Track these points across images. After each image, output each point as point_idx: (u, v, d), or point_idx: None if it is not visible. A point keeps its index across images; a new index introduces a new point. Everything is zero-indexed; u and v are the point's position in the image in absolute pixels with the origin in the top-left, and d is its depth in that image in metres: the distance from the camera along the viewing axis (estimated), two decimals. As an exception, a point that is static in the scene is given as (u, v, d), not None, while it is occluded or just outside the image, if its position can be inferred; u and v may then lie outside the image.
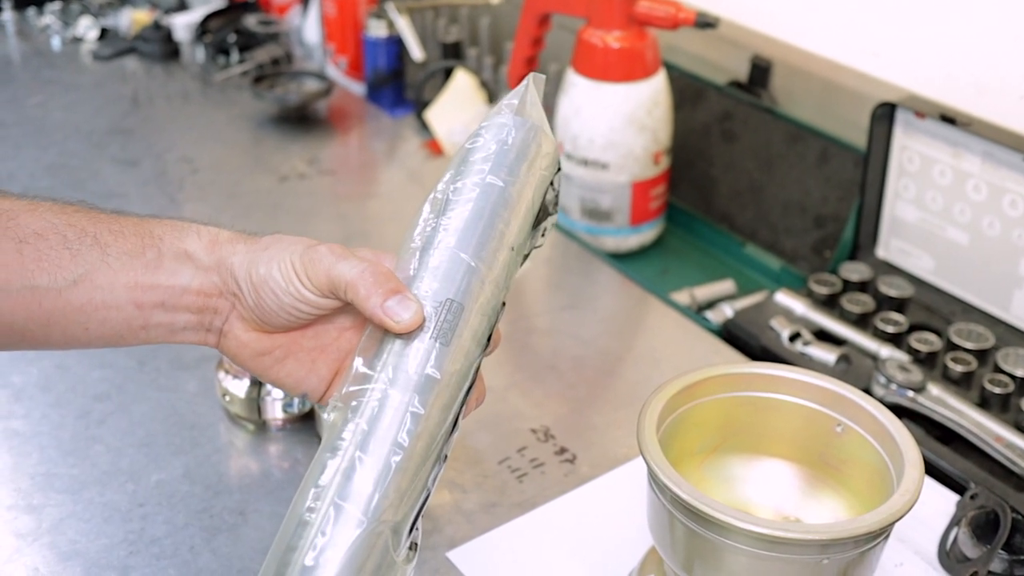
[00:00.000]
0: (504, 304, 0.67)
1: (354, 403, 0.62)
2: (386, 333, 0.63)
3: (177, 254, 0.67)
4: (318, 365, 0.69)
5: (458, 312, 0.63)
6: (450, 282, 0.64)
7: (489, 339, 0.66)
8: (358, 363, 0.64)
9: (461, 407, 0.64)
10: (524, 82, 0.71)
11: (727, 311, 1.20)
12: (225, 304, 0.67)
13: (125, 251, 0.66)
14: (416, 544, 0.62)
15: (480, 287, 0.64)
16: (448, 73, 1.56)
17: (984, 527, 0.86)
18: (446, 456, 0.64)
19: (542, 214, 0.69)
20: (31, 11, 1.88)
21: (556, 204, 0.71)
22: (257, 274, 0.65)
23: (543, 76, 0.72)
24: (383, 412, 0.61)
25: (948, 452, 0.96)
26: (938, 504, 0.91)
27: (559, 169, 0.71)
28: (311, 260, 0.64)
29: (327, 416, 0.64)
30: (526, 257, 0.69)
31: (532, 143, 0.68)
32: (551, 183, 0.70)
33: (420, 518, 0.62)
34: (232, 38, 1.71)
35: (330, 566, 0.58)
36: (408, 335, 0.63)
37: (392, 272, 0.64)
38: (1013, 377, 1.02)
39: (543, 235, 0.71)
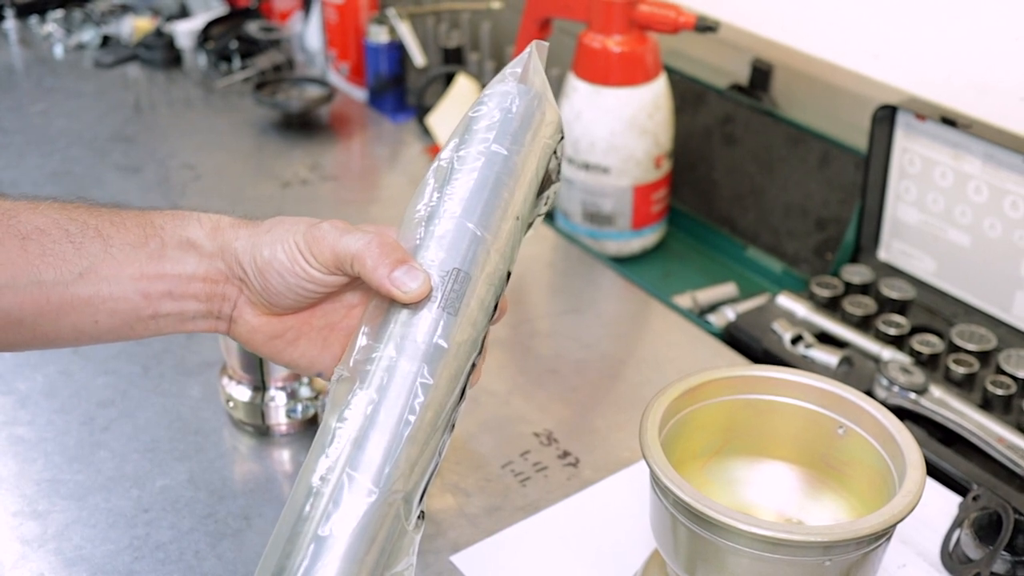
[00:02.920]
0: (510, 274, 0.66)
1: (362, 373, 0.62)
2: (392, 303, 0.63)
3: (180, 243, 0.67)
4: (330, 343, 0.70)
5: (465, 281, 0.63)
6: (456, 251, 0.63)
7: (495, 309, 0.66)
8: (365, 333, 0.64)
9: (468, 376, 0.64)
10: (527, 50, 0.70)
11: (729, 314, 1.20)
12: (232, 290, 0.68)
13: (128, 242, 0.66)
14: (423, 513, 0.63)
15: (486, 256, 0.64)
16: (449, 78, 1.56)
17: (986, 528, 0.86)
18: (453, 425, 0.64)
19: (545, 182, 0.69)
20: (33, 19, 1.89)
21: (559, 172, 0.71)
22: (261, 257, 0.65)
23: (546, 44, 0.71)
24: (392, 382, 0.61)
25: (950, 454, 0.96)
26: (940, 505, 0.92)
27: (562, 137, 0.71)
28: (315, 238, 0.65)
29: (332, 384, 0.64)
30: (530, 226, 0.69)
31: (536, 111, 0.68)
32: (554, 152, 0.70)
33: (428, 487, 0.63)
34: (234, 45, 1.72)
35: (344, 536, 0.58)
36: (415, 305, 0.63)
37: (398, 243, 0.64)
38: (1015, 378, 1.02)
39: (546, 204, 0.70)
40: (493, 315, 0.66)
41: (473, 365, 0.64)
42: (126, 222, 0.67)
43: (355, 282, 0.67)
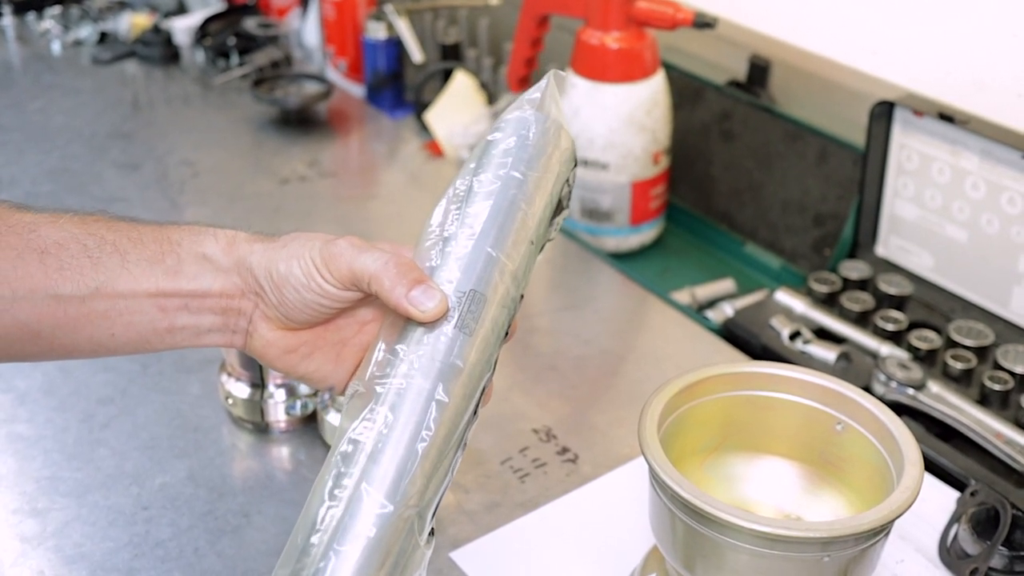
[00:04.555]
0: (522, 296, 0.67)
1: (378, 389, 0.63)
2: (408, 322, 0.64)
3: (196, 258, 0.67)
4: (343, 358, 0.70)
5: (480, 303, 0.64)
6: (472, 273, 0.65)
7: (507, 331, 0.67)
8: (381, 349, 0.65)
9: (481, 395, 0.65)
10: (545, 78, 0.72)
11: (727, 310, 1.21)
12: (248, 304, 0.68)
13: (144, 258, 0.67)
14: (433, 529, 0.63)
15: (501, 278, 0.65)
16: (447, 74, 1.56)
17: (984, 523, 0.87)
18: (466, 443, 0.65)
19: (557, 209, 0.71)
20: (31, 16, 1.88)
21: (569, 199, 0.72)
22: (278, 272, 0.66)
23: (564, 73, 0.73)
24: (408, 399, 0.62)
25: (948, 449, 0.96)
26: (938, 501, 0.92)
27: (575, 165, 0.72)
28: (331, 255, 0.65)
29: (346, 399, 0.64)
30: (540, 250, 0.70)
31: (551, 138, 0.70)
32: (567, 179, 0.71)
33: (440, 503, 0.63)
34: (232, 41, 1.72)
35: (358, 550, 0.59)
36: (432, 324, 0.63)
37: (414, 262, 0.65)
38: (1013, 374, 1.02)
39: (555, 229, 0.72)
40: (505, 337, 0.67)
41: (484, 386, 0.65)
42: (143, 237, 0.68)
43: (369, 298, 0.67)
